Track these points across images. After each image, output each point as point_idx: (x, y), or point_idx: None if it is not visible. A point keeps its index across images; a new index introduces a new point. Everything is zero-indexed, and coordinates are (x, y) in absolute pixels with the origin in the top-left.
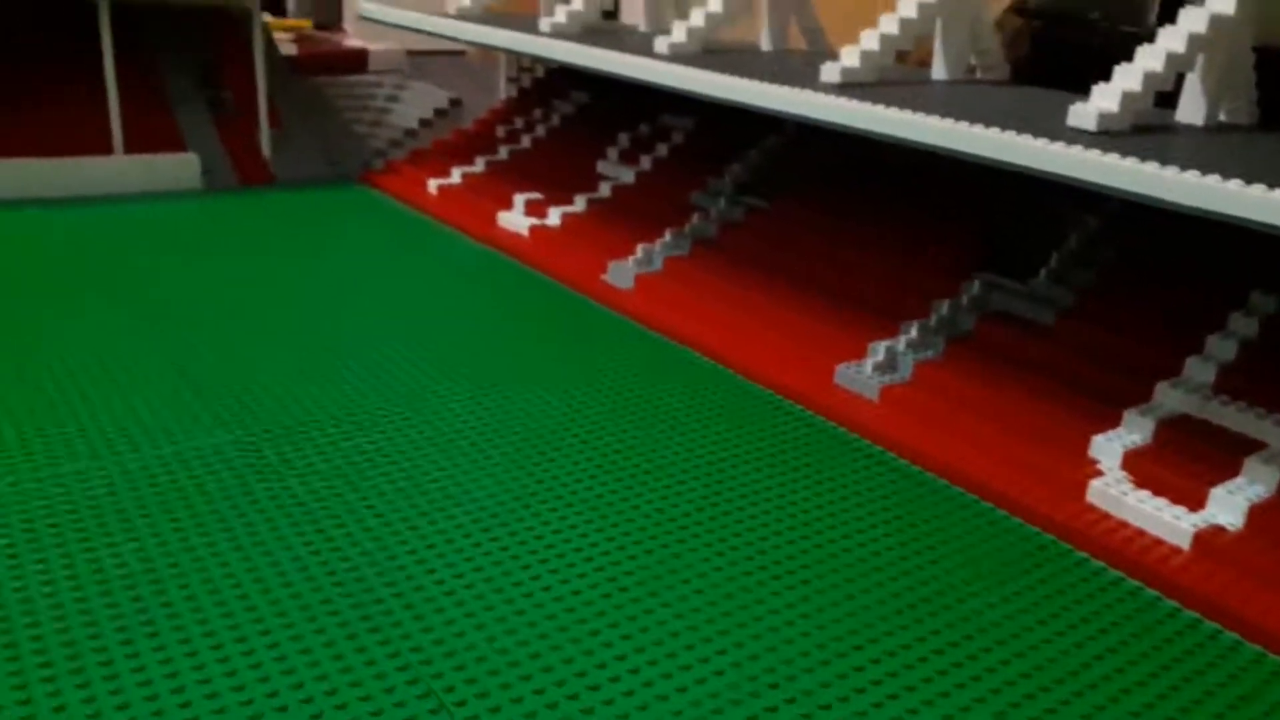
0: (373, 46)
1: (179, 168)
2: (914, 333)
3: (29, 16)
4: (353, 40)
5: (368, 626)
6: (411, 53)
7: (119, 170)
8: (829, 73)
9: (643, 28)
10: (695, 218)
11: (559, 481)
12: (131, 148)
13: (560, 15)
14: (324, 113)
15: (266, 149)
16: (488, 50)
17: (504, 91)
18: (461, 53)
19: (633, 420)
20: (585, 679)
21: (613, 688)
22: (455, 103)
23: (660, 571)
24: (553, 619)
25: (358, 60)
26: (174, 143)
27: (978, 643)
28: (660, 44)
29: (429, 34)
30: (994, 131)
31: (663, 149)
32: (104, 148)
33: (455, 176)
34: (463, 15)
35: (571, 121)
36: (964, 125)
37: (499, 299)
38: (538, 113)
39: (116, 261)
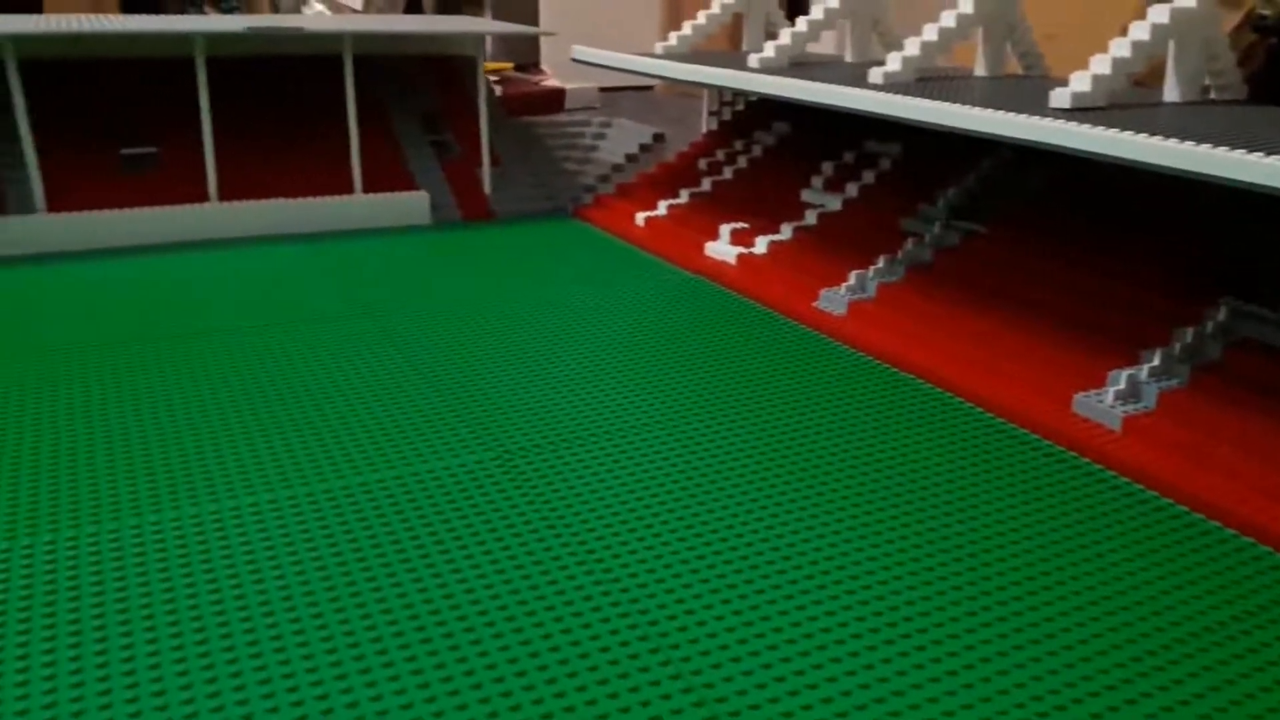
0: (569, 86)
1: (411, 204)
2: (1156, 360)
3: (289, 74)
4: (551, 80)
5: (637, 635)
6: (603, 89)
7: (360, 207)
8: (1059, 98)
9: (848, 59)
10: (909, 243)
11: (798, 506)
12: (369, 188)
13: (769, 50)
14: (537, 151)
15: (487, 186)
16: (693, 86)
17: (705, 125)
18: (650, 88)
19: (857, 446)
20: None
21: None
22: (658, 137)
23: (911, 613)
24: (805, 655)
25: (556, 99)
26: (406, 182)
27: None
28: (875, 74)
29: (640, 74)
30: (1224, 151)
31: (869, 176)
32: (347, 188)
33: (661, 208)
34: (669, 54)
35: (773, 152)
36: (1195, 146)
37: (712, 326)
38: (739, 144)
39: (366, 287)
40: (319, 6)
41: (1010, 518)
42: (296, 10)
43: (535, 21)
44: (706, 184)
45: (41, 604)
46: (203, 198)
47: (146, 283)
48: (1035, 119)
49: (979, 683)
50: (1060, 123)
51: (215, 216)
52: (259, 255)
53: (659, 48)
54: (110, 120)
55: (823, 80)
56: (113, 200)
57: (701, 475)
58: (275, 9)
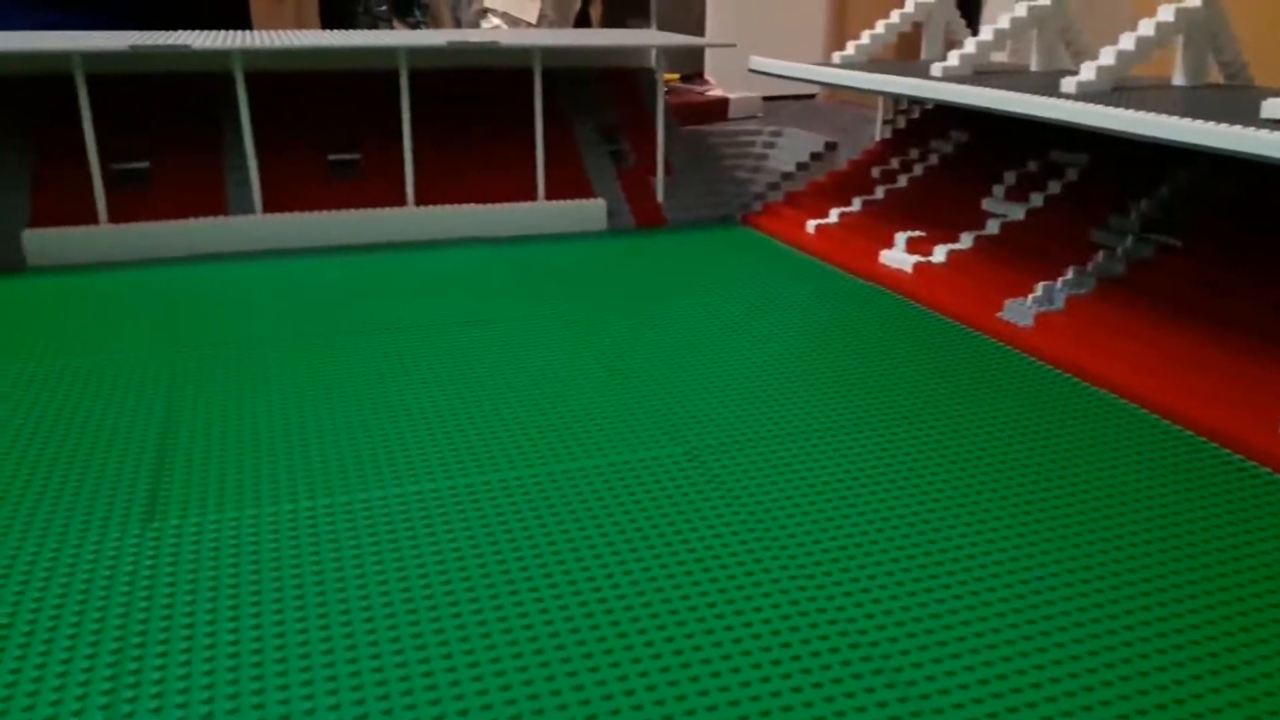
0: (732, 95)
1: (589, 211)
2: None
3: (477, 85)
4: (715, 90)
5: (837, 630)
6: (766, 99)
7: (542, 213)
8: (1272, 108)
9: (1034, 68)
10: (1099, 256)
11: (993, 518)
12: (551, 195)
13: (953, 59)
14: (708, 159)
15: (660, 194)
16: (869, 95)
17: (879, 133)
18: (812, 96)
19: (1050, 460)
20: None
21: None
22: (830, 146)
23: (1111, 639)
24: (1023, 674)
25: (720, 108)
26: (585, 190)
27: None
28: (1068, 84)
29: (818, 84)
30: None
31: (1055, 186)
32: (531, 195)
33: (832, 216)
34: (847, 64)
35: (951, 160)
36: None
37: (888, 333)
38: (914, 152)
39: (551, 289)
40: (496, 21)
41: (1220, 548)
42: (475, 25)
43: (700, 32)
44: (880, 192)
45: (267, 570)
46: (401, 202)
47: (349, 280)
48: (1256, 132)
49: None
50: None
51: (412, 220)
52: (451, 257)
53: (836, 57)
54: (319, 129)
55: (1010, 89)
56: (321, 203)
57: (890, 482)
58: (457, 24)
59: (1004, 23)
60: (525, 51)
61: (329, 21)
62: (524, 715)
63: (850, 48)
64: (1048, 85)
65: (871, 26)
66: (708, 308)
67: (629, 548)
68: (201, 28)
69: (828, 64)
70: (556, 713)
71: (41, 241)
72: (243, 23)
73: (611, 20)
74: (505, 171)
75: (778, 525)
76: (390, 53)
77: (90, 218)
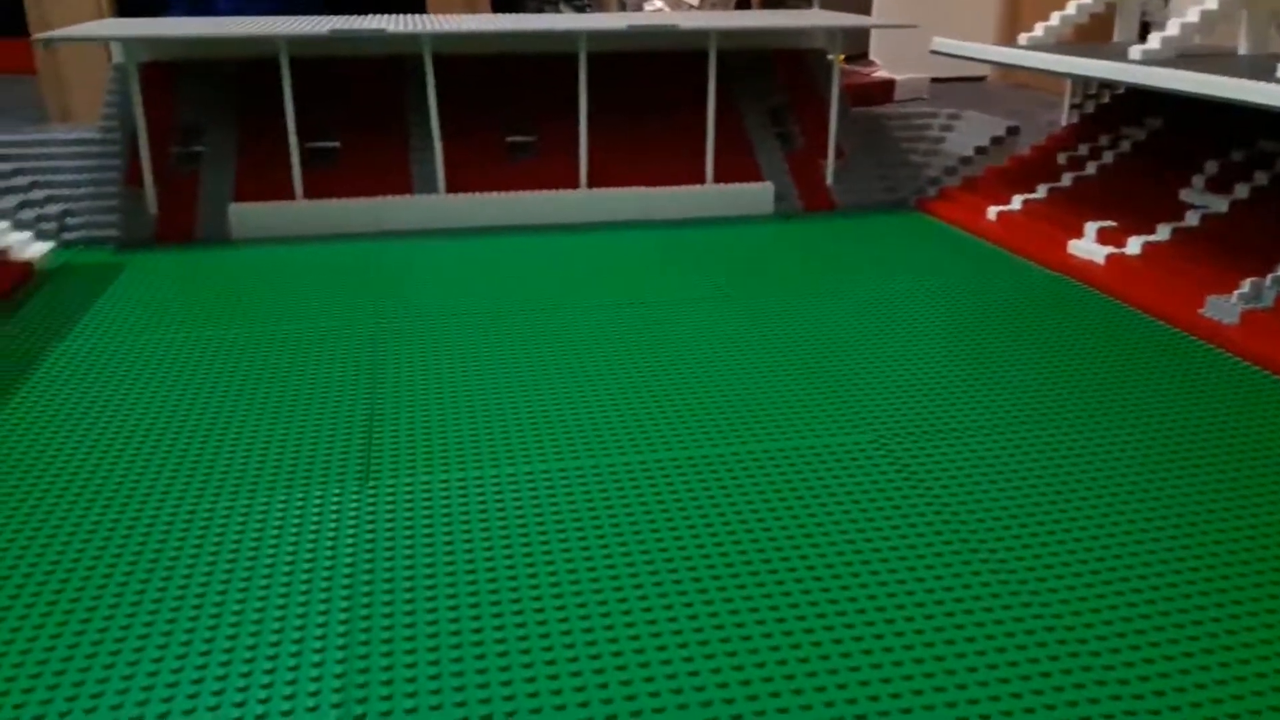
0: (899, 77)
1: (756, 195)
2: None
3: (648, 68)
4: (881, 71)
5: (1067, 650)
6: (934, 80)
7: (710, 197)
8: None
9: (1242, 51)
10: None
11: (1157, 526)
12: (719, 178)
13: (1154, 42)
14: (880, 142)
15: (830, 177)
16: (1056, 77)
17: (1066, 118)
18: (982, 78)
19: (1261, 474)
20: None
21: None
22: (1011, 131)
23: None
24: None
25: (887, 90)
26: (753, 173)
27: None
28: None
29: (1004, 66)
30: None
31: (1262, 177)
32: (700, 178)
33: (1015, 203)
34: (1035, 45)
35: (1144, 147)
36: None
37: (1080, 327)
38: (1104, 139)
39: (722, 271)
40: (658, 4)
41: None
42: (639, 8)
43: (865, 13)
44: (1066, 179)
45: (435, 530)
46: (574, 184)
47: (526, 259)
48: None
49: None
50: None
51: (584, 202)
52: (621, 238)
53: (1023, 39)
54: (498, 111)
55: (1219, 74)
56: (499, 184)
57: (1092, 481)
58: (622, 7)
59: (1212, 3)
60: (702, 34)
61: (498, 6)
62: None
63: (1039, 29)
64: (1260, 70)
65: (1050, 7)
66: (884, 293)
67: (821, 531)
68: (379, 12)
69: (1014, 45)
70: (769, 699)
71: (245, 215)
72: (418, 7)
73: (773, 1)
74: (674, 154)
75: (975, 519)
76: (571, 37)
77: (288, 193)
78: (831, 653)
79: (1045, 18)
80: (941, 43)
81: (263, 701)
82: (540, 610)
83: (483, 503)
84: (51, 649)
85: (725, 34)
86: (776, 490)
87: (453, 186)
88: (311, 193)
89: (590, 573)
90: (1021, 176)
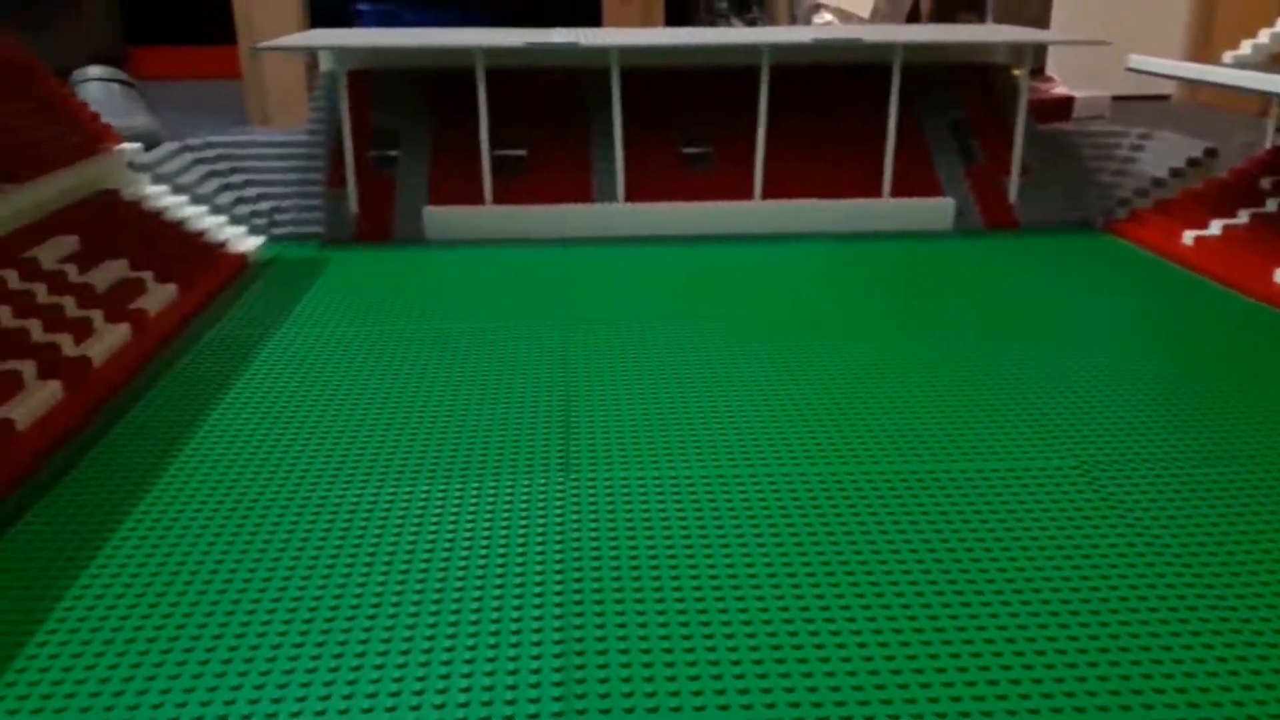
0: (1078, 93)
1: (935, 210)
2: None
3: (824, 81)
4: (1059, 87)
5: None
6: (1116, 98)
7: (886, 210)
8: None
9: None
10: None
11: None
12: (896, 192)
13: None
14: (1066, 160)
15: (1013, 194)
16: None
17: (1270, 140)
18: (1165, 97)
19: None
20: None
21: None
22: (1210, 153)
23: None
24: None
25: (1064, 107)
26: (932, 188)
27: None
28: None
29: (1214, 86)
30: None
31: None
32: (875, 191)
33: (1214, 228)
34: (1241, 63)
35: None
36: None
37: None
38: None
39: (902, 286)
40: (828, 16)
41: None
42: (808, 20)
43: (1042, 26)
44: (1271, 204)
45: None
46: (748, 195)
47: (704, 268)
48: None
49: None
50: None
51: (759, 213)
52: (796, 250)
53: (1228, 57)
54: (674, 122)
55: None
56: (674, 193)
57: None
58: (793, 20)
59: None
60: (887, 47)
61: (671, 19)
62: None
63: (1246, 47)
64: None
65: (1251, 22)
66: (1078, 315)
67: (1025, 555)
68: (555, 26)
69: (1216, 63)
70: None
71: (438, 218)
72: (594, 20)
73: (942, 14)
74: (850, 167)
75: (1199, 562)
76: (755, 50)
77: (478, 198)
78: (1032, 691)
79: (1241, 35)
80: (1140, 60)
81: (489, 675)
82: (744, 610)
83: (679, 501)
84: (242, 634)
85: (911, 47)
86: (976, 511)
87: (631, 195)
88: (499, 198)
89: (790, 579)
90: (1220, 200)
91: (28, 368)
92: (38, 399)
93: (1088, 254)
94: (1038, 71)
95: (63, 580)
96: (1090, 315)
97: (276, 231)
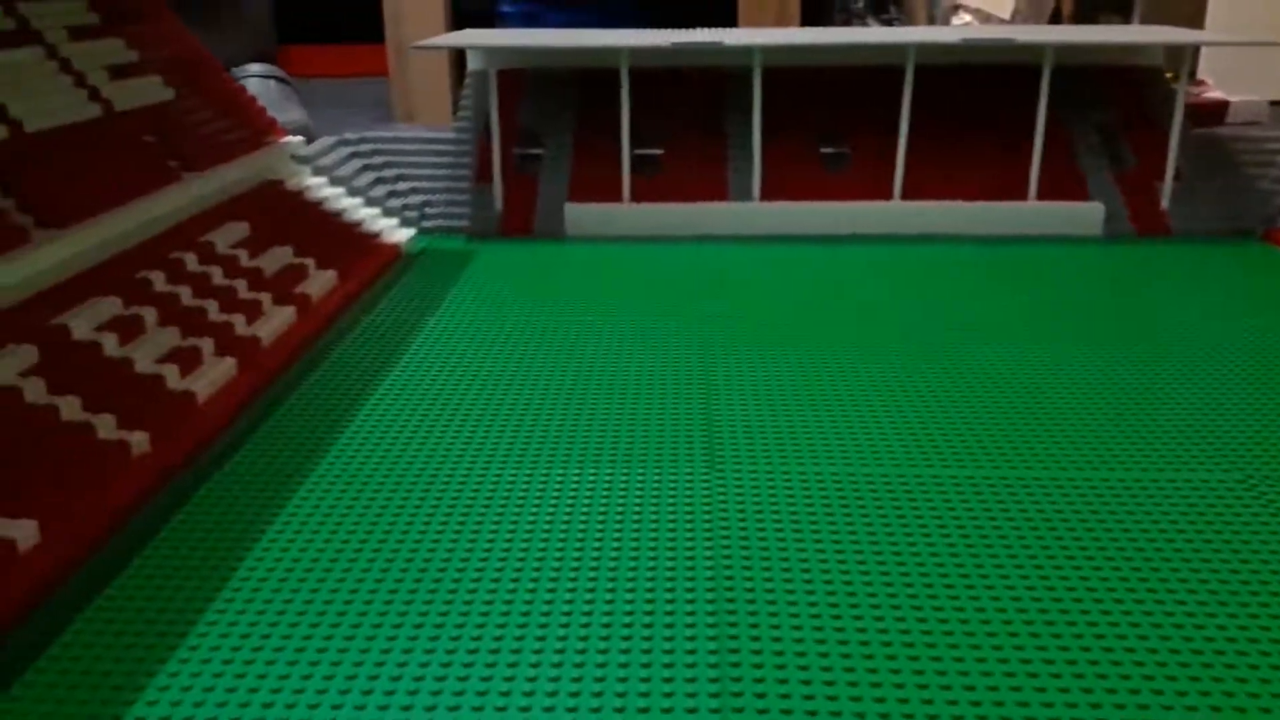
0: (1233, 98)
1: (1083, 215)
2: None
3: (968, 81)
4: (1212, 91)
5: None
6: (1274, 103)
7: (1032, 214)
8: None
9: None
10: None
11: None
12: (1042, 195)
13: None
14: (1223, 166)
15: (1166, 201)
16: None
17: None
18: None
19: None
20: None
21: None
22: None
23: None
24: None
25: (1217, 111)
26: (1078, 192)
27: None
28: None
29: None
30: None
31: None
32: (1020, 194)
33: None
34: None
35: None
36: None
37: None
38: None
39: (1051, 292)
40: (967, 17)
41: None
42: (947, 21)
43: (1198, 26)
44: None
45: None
46: (887, 195)
47: (843, 268)
48: None
49: None
50: None
51: (897, 213)
52: (938, 252)
53: None
54: (812, 122)
55: None
56: (811, 193)
57: None
58: (931, 20)
59: None
60: (1039, 49)
61: (806, 20)
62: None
63: None
64: None
65: None
66: (1234, 328)
67: (1188, 567)
68: (691, 26)
69: None
70: None
71: (578, 214)
72: (728, 22)
73: (1083, 15)
74: (993, 169)
75: None
76: (902, 50)
77: (616, 196)
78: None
79: None
80: None
81: (645, 665)
82: (897, 609)
83: (826, 499)
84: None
85: (1061, 49)
86: (1136, 521)
87: (767, 194)
88: (636, 196)
89: (947, 588)
90: None
91: (206, 344)
92: (216, 373)
93: (1245, 263)
94: (1189, 74)
95: (245, 541)
96: (1249, 328)
97: (426, 224)
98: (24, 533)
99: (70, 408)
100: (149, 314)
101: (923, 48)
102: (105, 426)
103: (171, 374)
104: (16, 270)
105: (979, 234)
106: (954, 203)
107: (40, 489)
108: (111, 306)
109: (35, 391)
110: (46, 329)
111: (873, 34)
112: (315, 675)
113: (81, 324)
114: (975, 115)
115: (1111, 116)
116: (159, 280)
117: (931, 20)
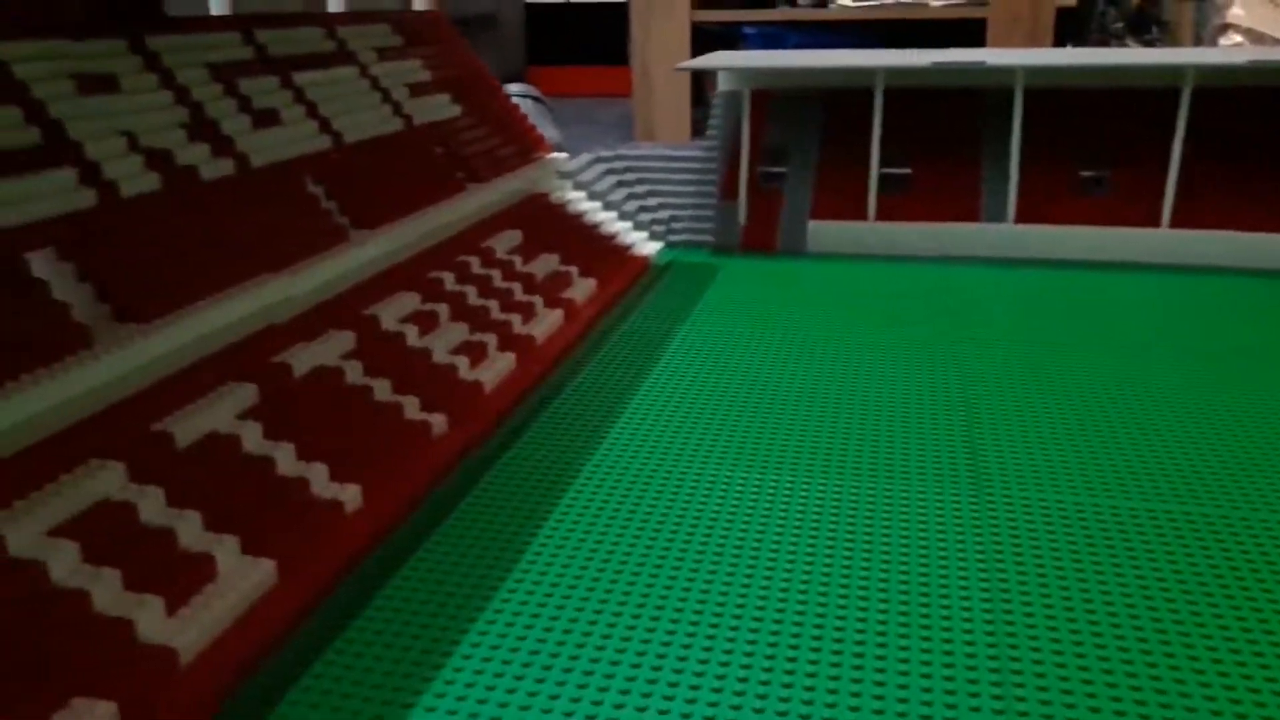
0: None
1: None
2: None
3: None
4: None
5: None
6: None
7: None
8: None
9: None
10: None
11: None
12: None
13: None
14: None
15: None
16: None
17: None
18: None
19: None
20: None
21: None
22: None
23: None
24: None
25: None
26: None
27: None
28: None
29: None
30: None
31: None
32: (1155, 221)
33: None
34: None
35: None
36: None
37: None
38: None
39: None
40: (1237, 38)
41: None
42: (1214, 42)
43: None
44: None
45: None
46: (1153, 223)
47: (1097, 294)
48: None
49: None
50: None
51: (1164, 241)
52: (1208, 284)
53: None
54: (1071, 144)
55: None
56: (1068, 217)
57: None
58: (1198, 41)
59: None
60: None
61: (1059, 41)
62: None
63: None
64: None
65: None
66: None
67: None
68: (937, 46)
69: None
70: None
71: (821, 231)
72: (976, 42)
73: None
74: (1272, 199)
75: None
76: (1179, 70)
77: (860, 214)
78: None
79: None
80: None
81: (925, 689)
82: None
83: (1105, 530)
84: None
85: None
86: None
87: (1021, 218)
88: (882, 215)
89: (1221, 630)
90: None
91: (490, 340)
92: (499, 366)
93: None
94: None
95: (529, 527)
96: None
97: (672, 238)
98: (350, 494)
99: (382, 388)
100: (442, 310)
101: (1203, 69)
102: (411, 407)
103: (463, 365)
104: (338, 264)
105: (1257, 267)
106: (1229, 233)
107: (364, 457)
108: (412, 301)
109: (354, 373)
110: (360, 318)
111: (1145, 54)
112: (597, 673)
113: (388, 316)
114: (1255, 141)
115: None
116: (449, 280)
117: (1198, 41)
